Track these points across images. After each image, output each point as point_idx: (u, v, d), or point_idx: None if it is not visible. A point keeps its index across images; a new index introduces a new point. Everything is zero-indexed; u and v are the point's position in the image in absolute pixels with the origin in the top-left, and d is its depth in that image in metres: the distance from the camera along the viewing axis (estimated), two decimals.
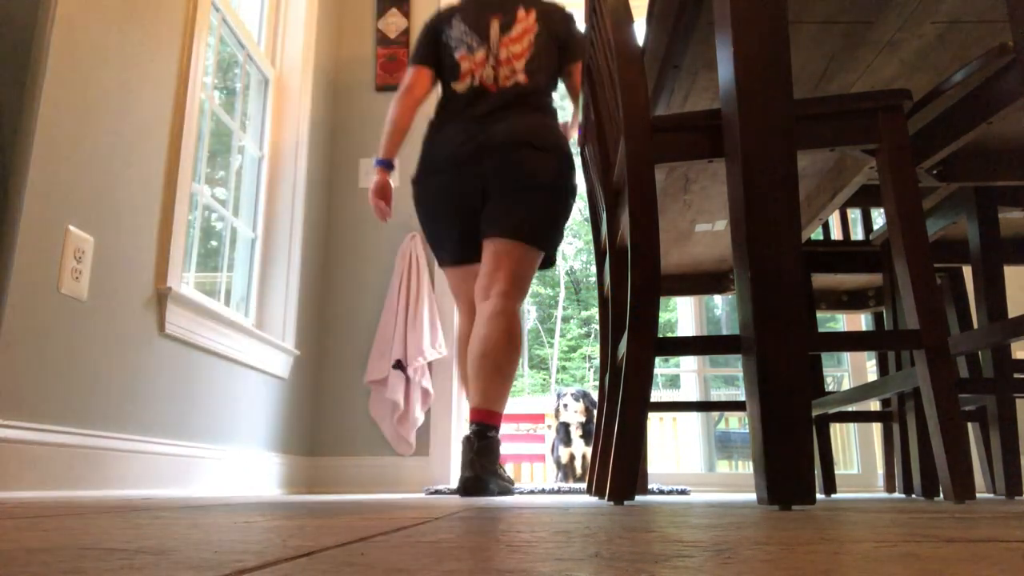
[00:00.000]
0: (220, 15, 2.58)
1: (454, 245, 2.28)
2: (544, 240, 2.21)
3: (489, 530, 0.65)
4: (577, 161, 2.35)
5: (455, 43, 2.31)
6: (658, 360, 2.88)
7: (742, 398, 2.81)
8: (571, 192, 2.28)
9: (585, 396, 3.79)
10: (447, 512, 1.02)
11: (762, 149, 1.10)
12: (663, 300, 5.26)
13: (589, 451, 3.69)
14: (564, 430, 3.78)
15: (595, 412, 3.75)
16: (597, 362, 4.24)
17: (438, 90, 2.43)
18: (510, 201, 2.17)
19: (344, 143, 3.49)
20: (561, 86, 2.43)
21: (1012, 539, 0.51)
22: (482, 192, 2.20)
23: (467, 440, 2.01)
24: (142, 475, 1.88)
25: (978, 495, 2.10)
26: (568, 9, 2.43)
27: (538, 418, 5.55)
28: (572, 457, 3.75)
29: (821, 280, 2.23)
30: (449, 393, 3.23)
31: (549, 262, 2.35)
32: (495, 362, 2.06)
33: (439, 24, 2.38)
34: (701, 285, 2.17)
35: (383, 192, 2.43)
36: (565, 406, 3.73)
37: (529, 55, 2.28)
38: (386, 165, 2.40)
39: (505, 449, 4.02)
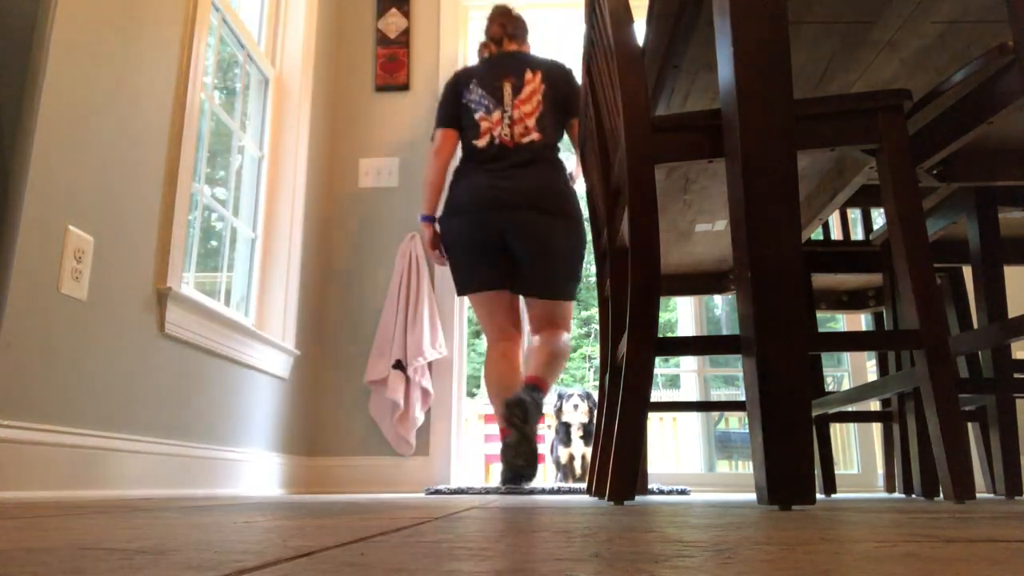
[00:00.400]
0: (220, 15, 2.58)
1: (477, 275, 2.64)
2: (569, 291, 2.70)
3: (489, 530, 0.65)
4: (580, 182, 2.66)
5: (474, 105, 2.71)
6: (658, 360, 2.89)
7: (742, 398, 2.81)
8: (584, 245, 2.70)
9: (589, 397, 3.79)
10: (447, 512, 1.02)
11: (762, 149, 1.10)
12: (663, 300, 5.26)
13: (588, 451, 3.69)
14: (564, 430, 3.78)
15: (594, 409, 3.76)
16: (597, 362, 4.24)
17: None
18: (539, 266, 2.60)
19: (344, 143, 3.49)
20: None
21: (1012, 539, 0.51)
22: (502, 237, 2.59)
23: (518, 398, 2.44)
24: (142, 475, 1.88)
25: (978, 495, 2.10)
26: (567, 65, 2.81)
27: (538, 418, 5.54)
28: (572, 457, 3.74)
29: (821, 280, 2.23)
30: (449, 393, 3.23)
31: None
32: (550, 354, 2.59)
33: (459, 87, 2.77)
34: (701, 285, 2.17)
35: (435, 243, 2.83)
36: (575, 407, 3.73)
37: (539, 112, 2.67)
38: (430, 219, 2.81)
39: None
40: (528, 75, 2.71)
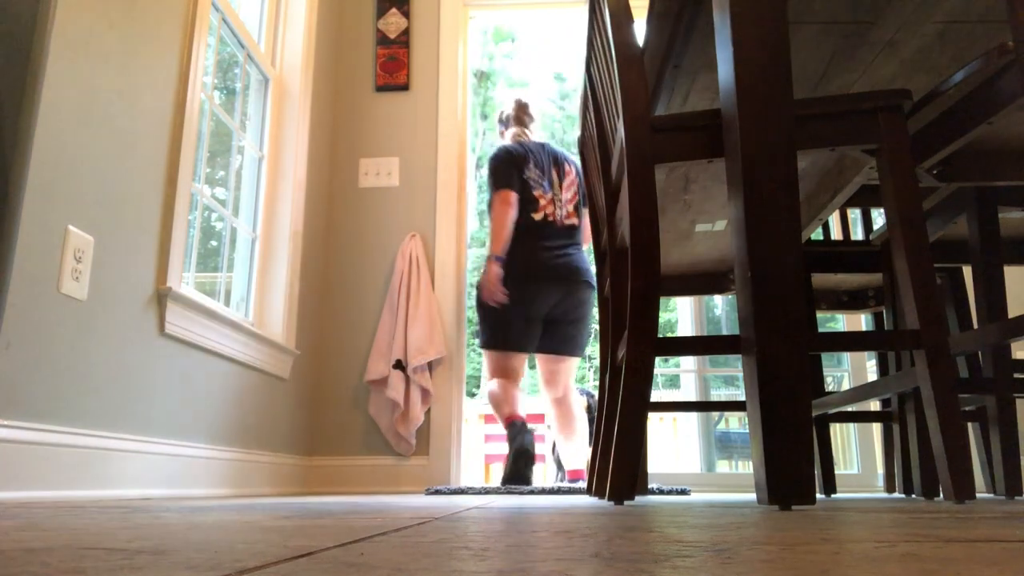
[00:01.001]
0: (220, 15, 2.58)
1: (524, 337, 3.05)
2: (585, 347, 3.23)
3: (489, 530, 0.65)
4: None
5: (533, 183, 3.17)
6: (658, 360, 2.93)
7: (742, 398, 2.81)
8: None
9: (585, 393, 3.79)
10: (447, 512, 1.02)
11: (762, 149, 1.10)
12: (663, 300, 5.25)
13: (589, 451, 3.68)
14: None
15: (594, 408, 3.75)
16: (597, 362, 4.25)
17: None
18: (574, 329, 3.12)
19: (344, 143, 3.49)
20: None
21: (1012, 539, 0.51)
22: (550, 305, 3.06)
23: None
24: (142, 475, 1.88)
25: (978, 495, 2.10)
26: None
27: (538, 418, 5.54)
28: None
29: (821, 280, 2.23)
30: (449, 393, 3.22)
31: None
32: (581, 433, 3.20)
33: (518, 163, 3.18)
34: (701, 285, 2.17)
35: (500, 282, 3.13)
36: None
37: (576, 201, 3.25)
38: (502, 260, 3.14)
39: (505, 449, 4.04)
40: (567, 167, 3.28)
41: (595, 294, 3.13)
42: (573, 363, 3.17)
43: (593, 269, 3.13)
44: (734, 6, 1.13)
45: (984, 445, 1.98)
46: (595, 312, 3.17)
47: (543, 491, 2.53)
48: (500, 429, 3.31)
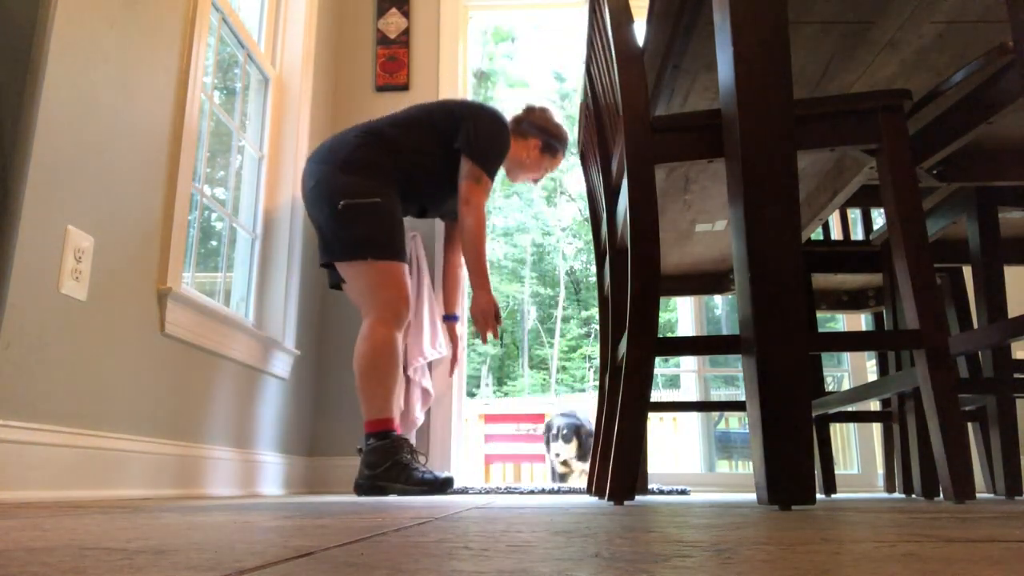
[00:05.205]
0: (220, 15, 2.58)
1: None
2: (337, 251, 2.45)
3: (489, 530, 0.65)
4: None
5: None
6: (658, 360, 2.89)
7: (742, 398, 2.81)
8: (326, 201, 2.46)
9: (577, 431, 3.75)
10: (447, 512, 1.02)
11: (762, 149, 1.10)
12: (663, 300, 5.26)
13: (572, 452, 3.65)
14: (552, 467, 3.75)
15: (588, 443, 3.70)
16: (597, 362, 4.25)
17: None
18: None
19: None
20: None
21: (1012, 539, 0.51)
22: None
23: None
24: (142, 475, 1.88)
25: (978, 495, 2.10)
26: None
27: (538, 418, 5.55)
28: (557, 455, 3.71)
29: (821, 280, 2.23)
30: (449, 393, 3.22)
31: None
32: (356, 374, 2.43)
33: None
34: (701, 285, 2.17)
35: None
36: (557, 454, 3.68)
37: None
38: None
39: (505, 449, 4.00)
40: None
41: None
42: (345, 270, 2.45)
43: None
44: (734, 6, 1.13)
45: (984, 445, 1.98)
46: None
47: (543, 491, 2.53)
48: (500, 429, 3.20)
